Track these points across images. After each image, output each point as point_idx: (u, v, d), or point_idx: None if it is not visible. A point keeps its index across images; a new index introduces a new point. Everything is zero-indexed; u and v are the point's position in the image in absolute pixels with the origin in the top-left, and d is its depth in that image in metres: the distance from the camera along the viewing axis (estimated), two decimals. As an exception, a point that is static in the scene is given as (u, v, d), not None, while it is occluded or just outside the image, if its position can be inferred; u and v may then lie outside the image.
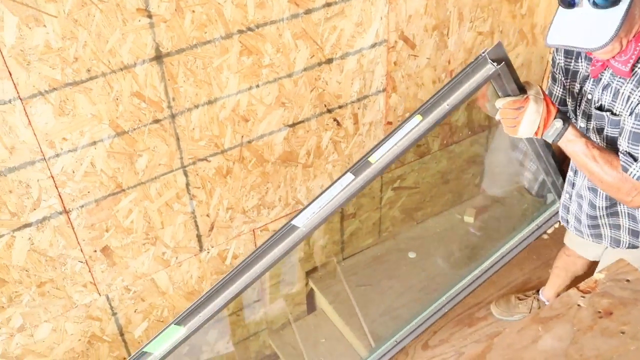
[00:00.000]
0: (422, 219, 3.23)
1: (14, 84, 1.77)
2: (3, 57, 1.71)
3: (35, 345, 2.31)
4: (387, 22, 2.37)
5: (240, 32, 2.07)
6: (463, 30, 2.62)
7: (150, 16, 1.87)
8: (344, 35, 2.30)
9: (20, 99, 1.80)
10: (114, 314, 2.46)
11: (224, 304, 1.78)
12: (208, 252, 2.55)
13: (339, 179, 1.81)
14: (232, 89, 2.18)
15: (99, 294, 2.35)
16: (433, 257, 3.06)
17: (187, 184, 2.30)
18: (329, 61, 2.33)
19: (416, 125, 1.72)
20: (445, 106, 1.71)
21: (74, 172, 2.02)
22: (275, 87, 2.27)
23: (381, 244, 3.15)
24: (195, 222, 2.41)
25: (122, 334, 2.54)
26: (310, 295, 3.09)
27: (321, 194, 1.80)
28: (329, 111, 2.48)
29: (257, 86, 2.23)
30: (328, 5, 2.19)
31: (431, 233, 3.19)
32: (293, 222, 1.80)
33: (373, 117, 2.62)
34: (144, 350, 1.54)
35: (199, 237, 2.47)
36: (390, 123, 2.70)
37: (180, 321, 1.63)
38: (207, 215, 2.43)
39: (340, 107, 2.50)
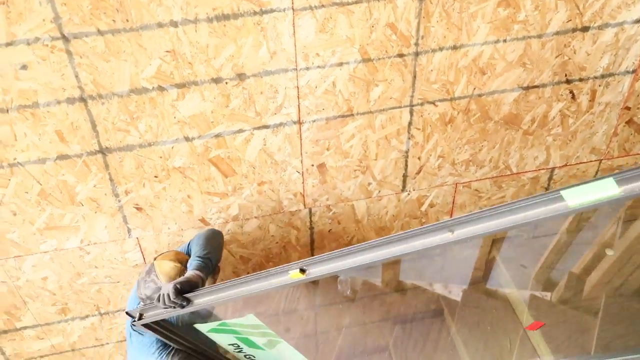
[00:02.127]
0: (634, 217, 3.01)
1: (292, -5, 1.93)
2: (290, -32, 1.86)
3: (242, 236, 2.57)
4: (661, -2, 2.19)
5: (505, -18, 2.05)
6: None
7: (426, -49, 1.92)
8: (609, 4, 2.17)
9: (293, 9, 1.96)
10: (311, 228, 2.64)
11: None
12: (408, 194, 2.62)
13: None
14: (479, 39, 2.17)
15: (305, 206, 2.53)
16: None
17: (410, 123, 2.36)
18: (585, 29, 2.22)
19: None
20: None
21: (316, 87, 2.17)
22: (521, 45, 2.22)
23: (578, 231, 3.00)
24: (406, 161, 2.48)
25: (312, 249, 2.73)
26: (490, 264, 3.06)
27: None
28: (568, 82, 2.38)
29: (505, 41, 2.20)
30: (602, -31, 2.07)
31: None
32: None
33: (612, 98, 2.47)
34: (560, 191, 1.33)
35: (404, 177, 2.54)
36: (628, 108, 2.52)
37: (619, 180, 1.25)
38: (419, 158, 2.49)
39: (580, 79, 2.38)
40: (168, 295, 1.85)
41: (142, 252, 2.48)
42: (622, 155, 2.71)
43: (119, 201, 2.27)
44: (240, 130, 2.21)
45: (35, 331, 2.62)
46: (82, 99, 1.97)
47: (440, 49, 2.17)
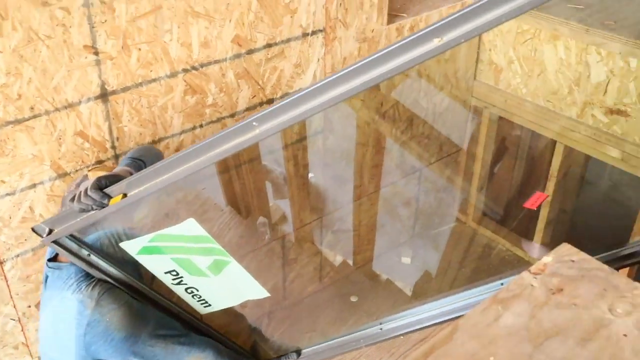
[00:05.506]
0: (361, 263, 3.26)
1: (-49, 121, 1.68)
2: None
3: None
4: (323, 64, 2.48)
5: (185, 70, 2.09)
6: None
7: (97, 53, 1.86)
8: (283, 75, 2.38)
9: (-43, 137, 1.70)
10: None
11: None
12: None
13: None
14: (176, 129, 2.17)
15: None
16: (376, 301, 3.06)
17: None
18: (270, 101, 2.39)
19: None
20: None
21: (10, 217, 1.91)
22: (218, 127, 2.29)
23: (324, 289, 3.14)
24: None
25: None
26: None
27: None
28: (271, 152, 2.51)
29: (201, 126, 2.23)
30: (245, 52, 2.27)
31: (375, 276, 3.22)
32: None
33: (312, 158, 2.68)
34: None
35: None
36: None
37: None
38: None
39: (281, 148, 2.54)
40: (86, 190, 1.42)
41: None
42: (338, 209, 2.95)
43: None
44: None
45: None
46: None
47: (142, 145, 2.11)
